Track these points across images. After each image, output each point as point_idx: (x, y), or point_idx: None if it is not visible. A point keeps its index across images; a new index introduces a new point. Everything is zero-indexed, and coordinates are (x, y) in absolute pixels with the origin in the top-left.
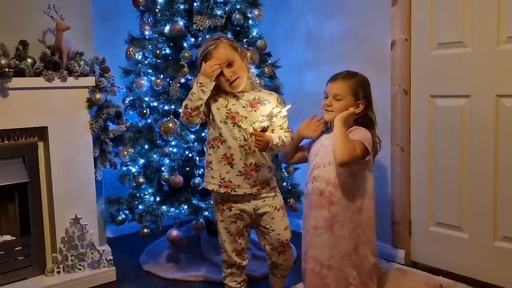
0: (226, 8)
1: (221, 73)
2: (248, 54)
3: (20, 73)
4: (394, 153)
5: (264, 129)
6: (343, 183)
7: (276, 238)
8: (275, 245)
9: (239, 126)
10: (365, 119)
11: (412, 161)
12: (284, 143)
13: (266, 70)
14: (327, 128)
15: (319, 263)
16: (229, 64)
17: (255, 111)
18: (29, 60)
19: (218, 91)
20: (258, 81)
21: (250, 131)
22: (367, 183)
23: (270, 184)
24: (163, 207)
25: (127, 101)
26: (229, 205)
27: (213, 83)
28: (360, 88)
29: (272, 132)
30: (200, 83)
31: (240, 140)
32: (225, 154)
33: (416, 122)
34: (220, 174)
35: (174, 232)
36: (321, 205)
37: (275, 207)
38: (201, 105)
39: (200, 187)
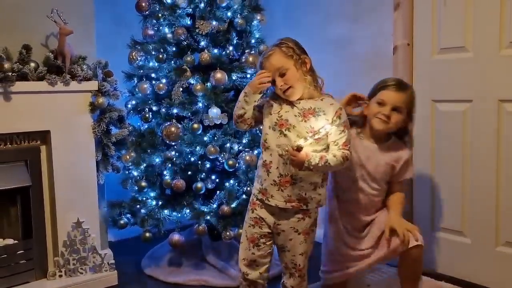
0: (229, 13)
1: (275, 82)
2: (307, 61)
3: (23, 77)
4: None
5: (298, 148)
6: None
7: (290, 259)
8: (288, 265)
9: (285, 135)
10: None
11: (414, 162)
12: (329, 163)
13: None
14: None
15: None
16: (282, 74)
17: (305, 121)
18: (32, 64)
19: (276, 96)
20: (321, 89)
21: (286, 149)
22: None
23: (309, 206)
24: (165, 211)
25: (129, 105)
26: (255, 207)
27: (258, 96)
28: (412, 103)
29: (327, 149)
30: (245, 93)
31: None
32: (265, 160)
33: (418, 126)
34: (260, 180)
35: (176, 236)
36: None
37: (297, 230)
38: (244, 113)
39: (202, 191)
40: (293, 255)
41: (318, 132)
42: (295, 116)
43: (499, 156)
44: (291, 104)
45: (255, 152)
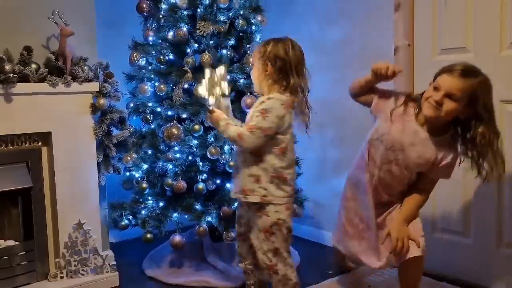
0: (230, 14)
1: None
2: (269, 65)
3: (24, 78)
4: None
5: (210, 111)
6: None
7: (260, 257)
8: (260, 263)
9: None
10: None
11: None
12: (226, 132)
13: None
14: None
15: None
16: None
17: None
18: (34, 66)
19: None
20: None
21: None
22: None
23: (248, 198)
24: (166, 212)
25: (130, 107)
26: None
27: None
28: (475, 93)
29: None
30: None
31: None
32: None
33: None
34: None
35: (177, 238)
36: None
37: (258, 227)
38: None
39: (203, 193)
40: (260, 253)
41: (211, 80)
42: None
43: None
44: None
45: None
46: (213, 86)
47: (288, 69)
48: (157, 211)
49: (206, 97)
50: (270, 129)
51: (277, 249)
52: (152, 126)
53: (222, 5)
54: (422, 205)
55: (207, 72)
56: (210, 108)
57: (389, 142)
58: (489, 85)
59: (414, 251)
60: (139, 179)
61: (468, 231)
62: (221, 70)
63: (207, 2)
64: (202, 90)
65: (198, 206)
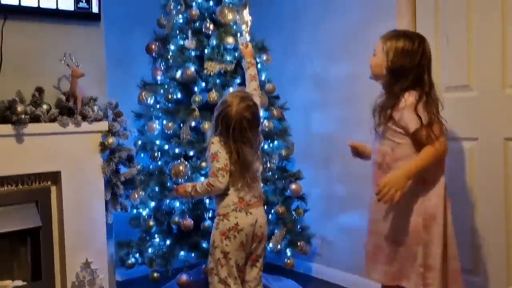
0: (236, 54)
1: None
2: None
3: (35, 119)
4: None
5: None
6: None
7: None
8: None
9: None
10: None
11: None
12: (197, 190)
13: (275, 112)
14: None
15: None
16: None
17: None
18: (45, 106)
19: None
20: None
21: None
22: None
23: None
24: (173, 250)
25: (138, 144)
26: None
27: None
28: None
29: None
30: None
31: None
32: None
33: None
34: None
35: (184, 277)
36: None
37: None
38: None
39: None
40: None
41: None
42: None
43: (507, 194)
44: None
45: (263, 189)
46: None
47: None
48: (164, 250)
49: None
50: (227, 166)
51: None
52: (159, 164)
53: (228, 46)
54: (430, 156)
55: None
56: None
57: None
58: (396, 34)
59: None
60: (146, 217)
61: (477, 269)
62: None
63: (214, 43)
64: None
65: (205, 245)
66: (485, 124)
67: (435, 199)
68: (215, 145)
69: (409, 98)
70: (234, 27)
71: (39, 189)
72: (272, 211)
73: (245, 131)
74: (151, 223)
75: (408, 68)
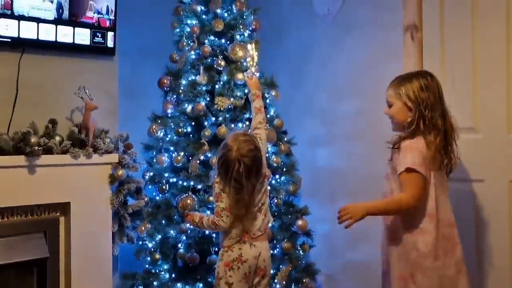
0: (246, 90)
1: None
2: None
3: (48, 150)
4: None
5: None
6: None
7: None
8: None
9: None
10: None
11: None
12: (203, 223)
13: (283, 147)
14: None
15: None
16: None
17: None
18: (57, 138)
19: None
20: None
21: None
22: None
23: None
24: (178, 284)
25: (147, 176)
26: None
27: None
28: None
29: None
30: None
31: None
32: None
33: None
34: None
35: None
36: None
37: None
38: None
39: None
40: None
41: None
42: None
43: None
44: None
45: (269, 225)
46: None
47: None
48: (169, 283)
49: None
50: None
51: None
52: (167, 196)
53: (239, 82)
54: (397, 205)
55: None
56: None
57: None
58: (413, 83)
59: None
60: (152, 249)
61: None
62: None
63: (225, 78)
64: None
65: (210, 279)
66: (491, 166)
67: (423, 247)
68: (218, 186)
69: (418, 141)
70: (245, 63)
71: (48, 219)
72: (278, 246)
73: (242, 177)
74: (157, 256)
75: (433, 103)
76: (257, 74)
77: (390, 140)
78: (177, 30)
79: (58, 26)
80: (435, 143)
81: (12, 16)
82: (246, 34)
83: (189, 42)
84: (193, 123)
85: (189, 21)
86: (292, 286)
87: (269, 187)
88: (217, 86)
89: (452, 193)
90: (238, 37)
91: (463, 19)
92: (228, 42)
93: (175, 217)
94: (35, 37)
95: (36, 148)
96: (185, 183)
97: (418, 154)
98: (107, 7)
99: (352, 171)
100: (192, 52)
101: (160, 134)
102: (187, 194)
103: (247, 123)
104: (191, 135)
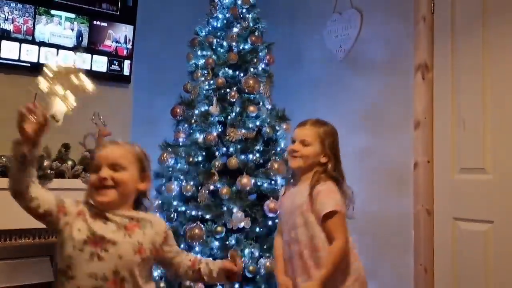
0: (257, 122)
1: None
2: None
3: (60, 174)
4: (417, 273)
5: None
6: (322, 245)
7: None
8: None
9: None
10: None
11: (436, 283)
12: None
13: None
14: (292, 177)
15: None
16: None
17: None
18: (70, 163)
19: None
20: None
21: None
22: None
23: None
24: None
25: (155, 204)
26: None
27: None
28: (327, 138)
29: None
30: None
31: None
32: None
33: (440, 243)
34: None
35: None
36: (303, 270)
37: None
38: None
39: None
40: None
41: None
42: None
43: None
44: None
45: None
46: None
47: None
48: None
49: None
50: None
51: None
52: (175, 225)
53: (251, 114)
54: (338, 255)
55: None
56: None
57: (284, 216)
58: (334, 131)
59: None
60: (157, 278)
61: None
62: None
63: (238, 110)
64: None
65: None
66: (501, 207)
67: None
68: None
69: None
70: (257, 96)
71: (54, 243)
72: None
73: None
74: (162, 284)
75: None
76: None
77: None
78: (192, 61)
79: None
80: None
81: (33, 42)
82: (260, 68)
83: (204, 73)
84: (204, 153)
85: (204, 53)
86: None
87: (277, 220)
88: (229, 117)
89: (461, 232)
90: (252, 70)
91: (475, 60)
92: (242, 74)
93: (181, 246)
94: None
95: (49, 171)
96: (193, 212)
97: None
98: (125, 36)
99: (359, 211)
100: (206, 83)
101: (171, 162)
102: (195, 224)
103: (257, 154)
104: (201, 165)
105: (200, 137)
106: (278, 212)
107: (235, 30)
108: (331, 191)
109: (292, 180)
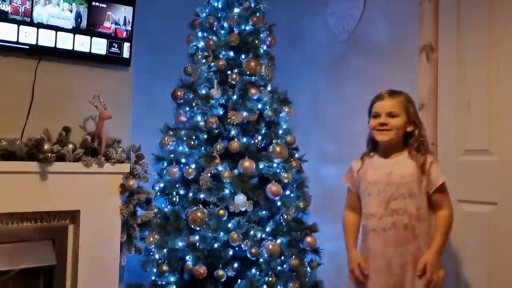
0: (259, 105)
1: None
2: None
3: (61, 158)
4: None
5: None
6: (424, 215)
7: None
8: None
9: None
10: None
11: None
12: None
13: (294, 163)
14: (373, 149)
15: None
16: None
17: None
18: (70, 146)
19: None
20: None
21: None
22: None
23: None
24: None
25: (157, 188)
26: None
27: None
28: (410, 106)
29: None
30: None
31: None
32: None
33: None
34: None
35: None
36: (407, 240)
37: None
38: None
39: (223, 279)
40: None
41: None
42: None
43: None
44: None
45: (278, 241)
46: None
47: None
48: None
49: None
50: None
51: None
52: (177, 208)
53: (253, 97)
54: (450, 223)
55: None
56: None
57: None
58: (411, 97)
59: None
60: (159, 261)
61: None
62: None
63: (239, 92)
64: None
65: None
66: (505, 189)
67: None
68: None
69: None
70: (259, 78)
71: (57, 227)
72: (286, 263)
73: None
74: (165, 267)
75: None
76: None
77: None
78: (193, 43)
79: (76, 35)
80: None
81: (31, 23)
82: (261, 50)
83: (204, 55)
84: (205, 136)
85: (205, 35)
86: None
87: (279, 203)
88: (230, 100)
89: (465, 214)
90: (253, 52)
91: (480, 41)
92: (243, 56)
93: (184, 230)
94: (52, 45)
95: (49, 155)
96: (195, 196)
97: None
98: (125, 18)
99: None
100: (207, 65)
101: (172, 145)
102: (197, 207)
103: (259, 138)
104: (203, 148)
105: (201, 120)
106: (348, 186)
107: (236, 10)
108: (437, 163)
109: (371, 153)
